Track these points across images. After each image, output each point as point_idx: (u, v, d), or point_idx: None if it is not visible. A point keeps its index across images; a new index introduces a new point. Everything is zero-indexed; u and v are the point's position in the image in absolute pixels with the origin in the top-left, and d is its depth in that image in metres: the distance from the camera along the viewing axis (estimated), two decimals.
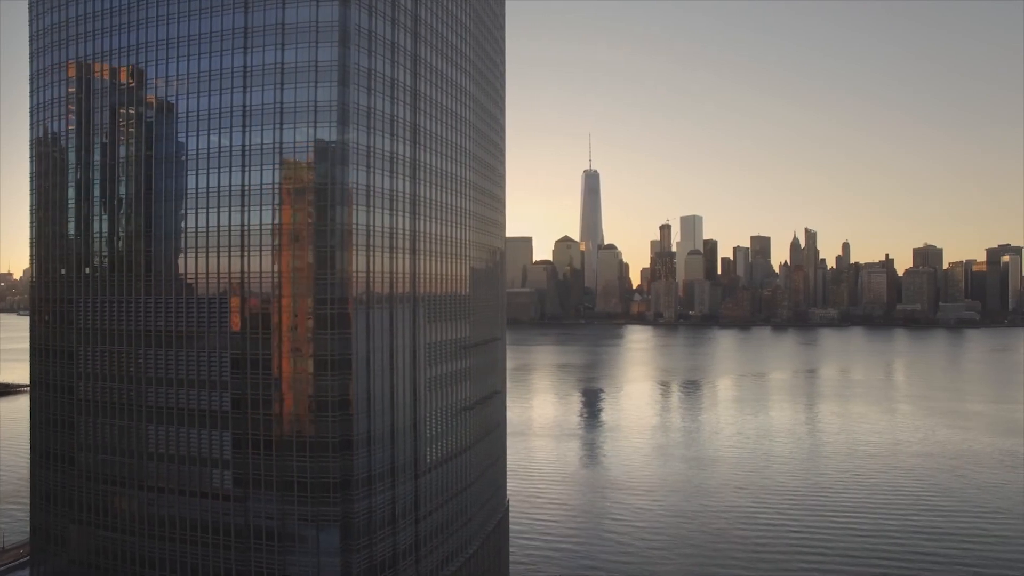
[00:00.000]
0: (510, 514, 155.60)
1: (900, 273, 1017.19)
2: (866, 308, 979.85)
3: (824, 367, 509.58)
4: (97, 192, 78.60)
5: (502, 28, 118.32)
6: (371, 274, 73.95)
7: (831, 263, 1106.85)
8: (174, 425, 74.65)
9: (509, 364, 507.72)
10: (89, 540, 78.87)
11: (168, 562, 74.63)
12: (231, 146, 72.26)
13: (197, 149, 73.63)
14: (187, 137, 74.13)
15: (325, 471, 71.03)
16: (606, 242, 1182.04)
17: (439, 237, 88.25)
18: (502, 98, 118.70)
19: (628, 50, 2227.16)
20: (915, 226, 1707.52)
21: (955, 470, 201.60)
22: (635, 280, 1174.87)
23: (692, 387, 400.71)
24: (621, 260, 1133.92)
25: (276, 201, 71.60)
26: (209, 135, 73.29)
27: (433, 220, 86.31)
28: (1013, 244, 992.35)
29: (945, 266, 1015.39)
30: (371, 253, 73.94)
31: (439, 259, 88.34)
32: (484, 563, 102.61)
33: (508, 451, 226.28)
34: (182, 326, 74.36)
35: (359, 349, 72.38)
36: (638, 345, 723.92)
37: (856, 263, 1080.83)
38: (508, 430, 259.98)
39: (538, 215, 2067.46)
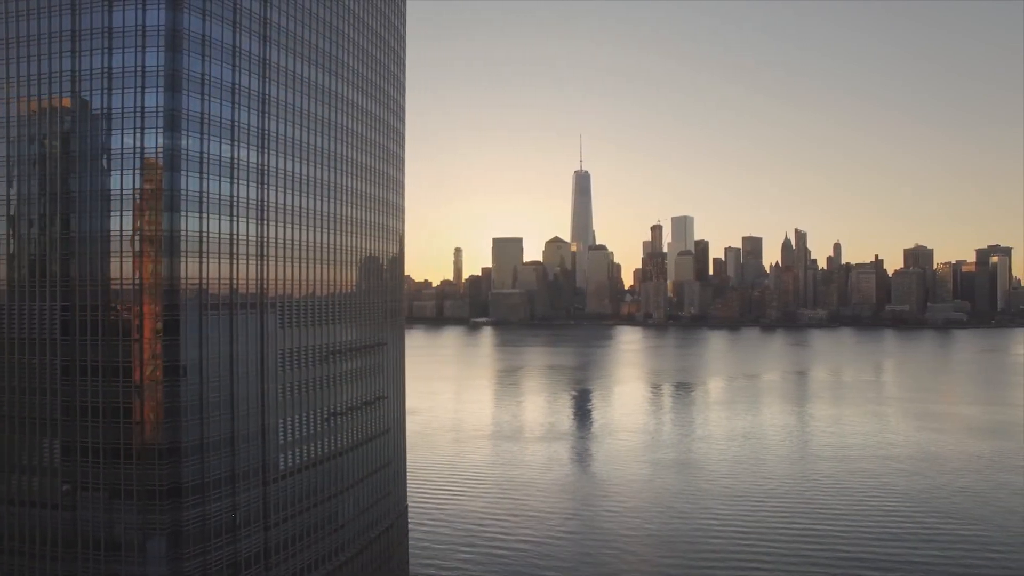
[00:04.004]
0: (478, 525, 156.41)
1: (891, 274, 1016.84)
2: (855, 309, 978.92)
3: (814, 369, 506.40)
4: None
5: (399, 33, 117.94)
6: (205, 280, 73.54)
7: (823, 264, 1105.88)
8: (4, 432, 74.18)
9: (498, 366, 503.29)
10: None
11: None
12: (59, 151, 71.85)
13: (28, 154, 73.24)
14: (18, 142, 73.71)
15: (152, 478, 70.65)
16: (597, 242, 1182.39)
17: (301, 243, 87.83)
18: (400, 105, 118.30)
19: (619, 49, 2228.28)
20: (907, 227, 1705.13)
21: (935, 492, 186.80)
22: (627, 281, 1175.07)
23: (682, 389, 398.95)
24: (612, 261, 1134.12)
25: (103, 207, 71.18)
26: (39, 140, 72.93)
27: (291, 226, 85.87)
28: (1003, 245, 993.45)
29: (935, 267, 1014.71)
30: (205, 259, 73.52)
31: (301, 264, 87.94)
32: (368, 568, 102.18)
33: (496, 455, 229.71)
34: (14, 332, 73.92)
35: (190, 356, 72.01)
36: (628, 346, 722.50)
37: (847, 264, 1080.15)
38: (498, 433, 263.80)
39: (528, 215, 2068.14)
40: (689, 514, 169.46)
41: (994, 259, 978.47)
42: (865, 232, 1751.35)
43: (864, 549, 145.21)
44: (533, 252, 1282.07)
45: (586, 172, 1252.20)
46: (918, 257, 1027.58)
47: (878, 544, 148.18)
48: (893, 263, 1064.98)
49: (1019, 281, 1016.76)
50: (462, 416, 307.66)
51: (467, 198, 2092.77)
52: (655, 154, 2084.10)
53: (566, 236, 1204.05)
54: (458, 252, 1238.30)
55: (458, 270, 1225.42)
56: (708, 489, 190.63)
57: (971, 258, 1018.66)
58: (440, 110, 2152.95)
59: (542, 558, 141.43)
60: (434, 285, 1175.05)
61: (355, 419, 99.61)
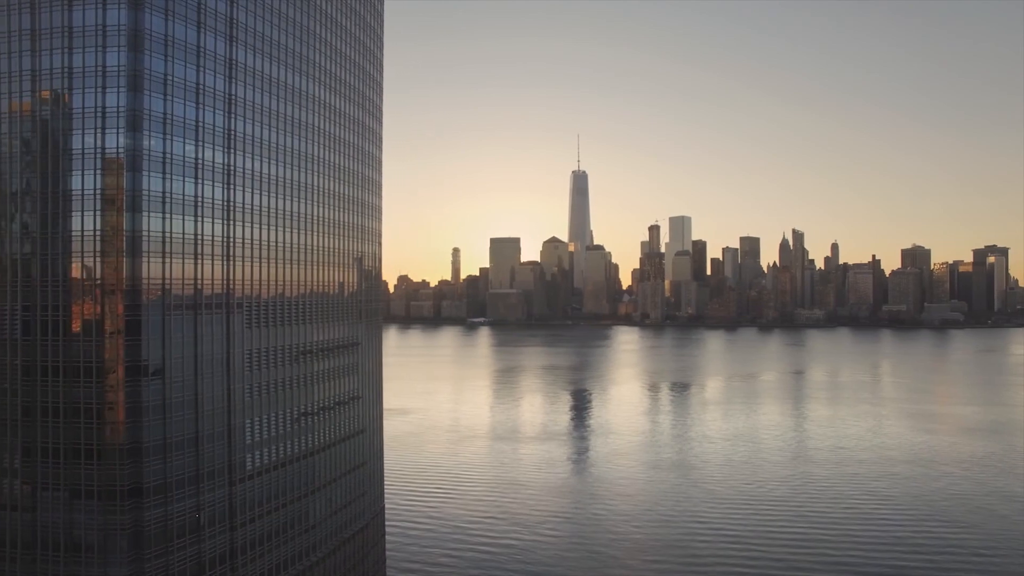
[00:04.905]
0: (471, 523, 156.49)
1: (888, 274, 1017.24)
2: (852, 309, 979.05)
3: (811, 369, 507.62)
4: None
5: (376, 33, 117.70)
6: (168, 281, 73.23)
7: (820, 264, 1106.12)
8: None
9: (496, 366, 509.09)
10: None
11: None
12: (18, 151, 71.61)
13: None
14: None
15: (114, 478, 70.38)
16: (595, 242, 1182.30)
17: (269, 243, 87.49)
18: (376, 105, 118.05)
19: (618, 49, 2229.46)
20: (905, 227, 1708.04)
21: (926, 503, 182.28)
22: (625, 281, 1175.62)
23: (679, 390, 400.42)
24: (609, 261, 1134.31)
25: (64, 207, 70.85)
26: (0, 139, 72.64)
27: (259, 226, 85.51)
28: (1000, 245, 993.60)
29: (932, 267, 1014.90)
30: (168, 260, 73.19)
31: (270, 265, 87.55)
32: (341, 568, 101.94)
33: (488, 456, 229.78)
34: None
35: (152, 356, 71.76)
36: (626, 347, 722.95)
37: (844, 264, 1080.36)
38: (492, 433, 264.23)
39: (526, 215, 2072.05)
40: (678, 518, 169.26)
41: (991, 259, 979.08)
42: (862, 232, 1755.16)
43: (853, 555, 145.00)
44: (530, 252, 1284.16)
45: (584, 172, 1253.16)
46: (915, 257, 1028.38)
47: (868, 549, 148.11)
48: (890, 263, 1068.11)
49: (1016, 281, 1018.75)
50: (457, 416, 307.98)
51: (465, 198, 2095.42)
52: (653, 154, 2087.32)
53: (563, 236, 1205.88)
54: (456, 252, 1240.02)
55: (456, 270, 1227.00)
56: (700, 492, 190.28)
57: (968, 258, 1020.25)
58: (438, 110, 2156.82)
59: (524, 561, 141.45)
60: (432, 285, 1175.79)
61: (327, 419, 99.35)
